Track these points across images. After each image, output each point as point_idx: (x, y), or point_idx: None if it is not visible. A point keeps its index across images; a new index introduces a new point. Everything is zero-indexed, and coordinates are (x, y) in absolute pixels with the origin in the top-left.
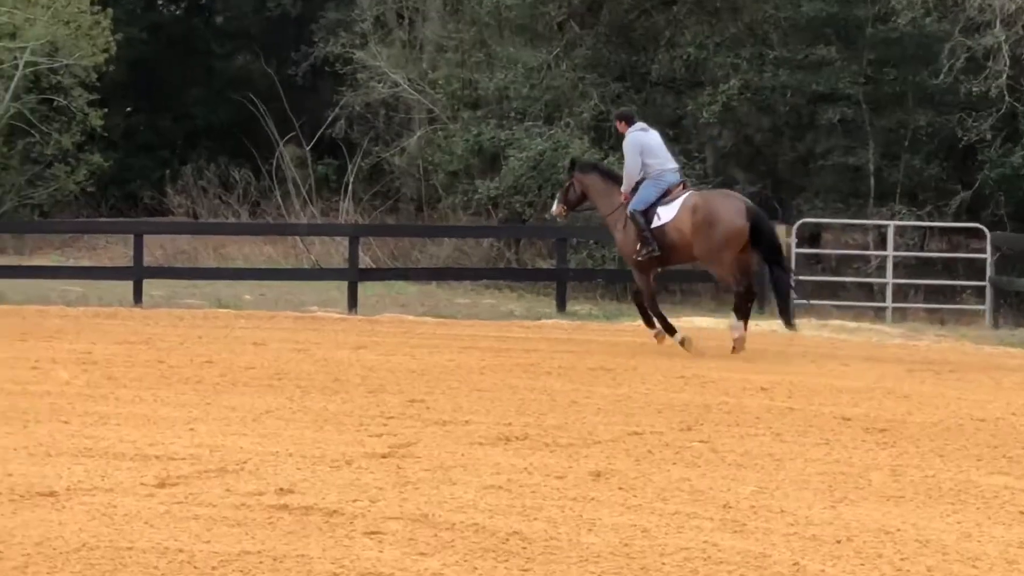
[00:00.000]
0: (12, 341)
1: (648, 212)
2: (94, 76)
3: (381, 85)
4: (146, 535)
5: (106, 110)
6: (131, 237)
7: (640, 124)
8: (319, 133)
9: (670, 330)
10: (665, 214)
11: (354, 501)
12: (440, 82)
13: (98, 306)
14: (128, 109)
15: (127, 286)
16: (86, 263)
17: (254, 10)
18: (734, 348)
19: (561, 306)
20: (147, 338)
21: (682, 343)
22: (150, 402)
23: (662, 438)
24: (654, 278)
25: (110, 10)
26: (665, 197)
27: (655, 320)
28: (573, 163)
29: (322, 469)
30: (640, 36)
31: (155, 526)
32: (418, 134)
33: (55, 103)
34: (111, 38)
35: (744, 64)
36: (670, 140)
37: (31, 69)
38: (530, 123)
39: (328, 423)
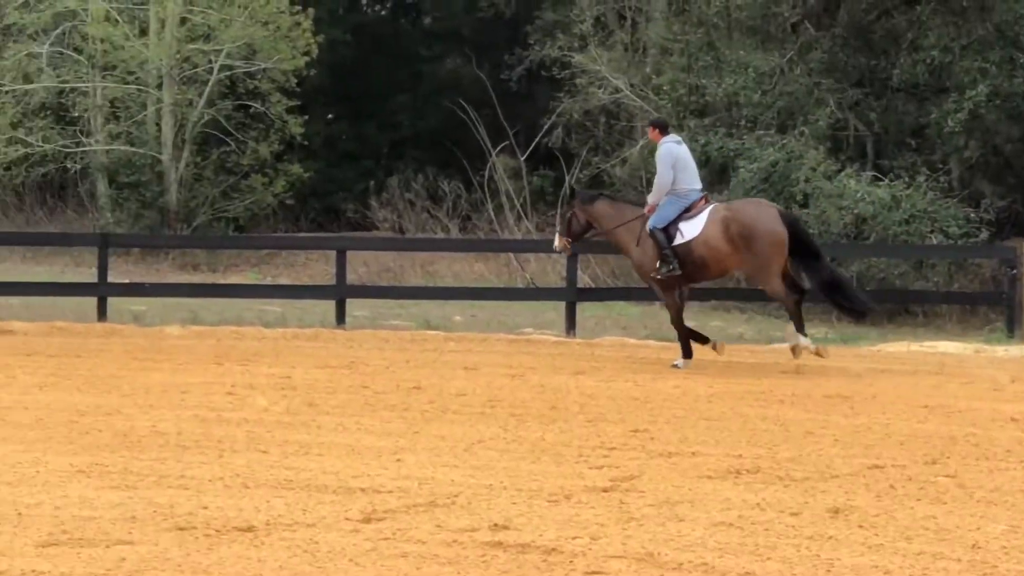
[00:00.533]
0: (207, 365)
1: (669, 229)
2: (293, 81)
3: (601, 91)
4: (351, 573)
5: (306, 117)
6: (333, 253)
7: (674, 136)
8: (535, 142)
9: (688, 349)
10: (688, 230)
11: (574, 538)
12: (665, 88)
13: (297, 327)
14: (330, 116)
15: (329, 306)
16: (284, 281)
17: (465, 10)
18: (796, 355)
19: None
20: (350, 362)
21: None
22: (354, 431)
23: (905, 472)
24: (680, 296)
25: (311, 10)
26: (686, 212)
27: (681, 338)
28: (573, 192)
29: (539, 504)
30: (880, 38)
31: (361, 564)
32: (641, 143)
33: (252, 109)
34: (312, 40)
35: (993, 69)
36: (912, 150)
37: (227, 73)
38: (761, 132)
39: (545, 454)
